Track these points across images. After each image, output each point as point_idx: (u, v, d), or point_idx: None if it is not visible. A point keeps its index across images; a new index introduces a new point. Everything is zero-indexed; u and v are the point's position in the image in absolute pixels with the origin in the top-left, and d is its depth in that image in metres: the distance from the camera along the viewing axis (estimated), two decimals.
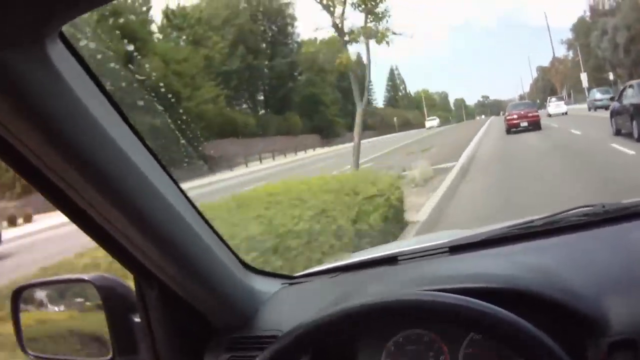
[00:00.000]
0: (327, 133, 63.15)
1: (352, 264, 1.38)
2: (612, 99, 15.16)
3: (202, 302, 1.12)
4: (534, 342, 0.76)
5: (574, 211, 1.28)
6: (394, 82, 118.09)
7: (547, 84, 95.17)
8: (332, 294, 1.16)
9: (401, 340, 1.12)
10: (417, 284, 1.07)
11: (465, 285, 1.00)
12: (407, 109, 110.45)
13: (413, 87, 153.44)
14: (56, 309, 1.40)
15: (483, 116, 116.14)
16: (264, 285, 1.27)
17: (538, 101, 57.62)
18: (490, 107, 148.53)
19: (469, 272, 1.10)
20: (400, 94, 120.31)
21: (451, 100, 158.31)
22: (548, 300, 0.96)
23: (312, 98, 64.24)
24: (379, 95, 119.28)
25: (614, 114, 14.48)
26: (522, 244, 1.20)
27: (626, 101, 13.23)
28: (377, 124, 75.75)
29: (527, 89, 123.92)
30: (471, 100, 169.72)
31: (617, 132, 14.02)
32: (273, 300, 1.25)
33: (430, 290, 0.92)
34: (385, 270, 1.27)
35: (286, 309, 1.21)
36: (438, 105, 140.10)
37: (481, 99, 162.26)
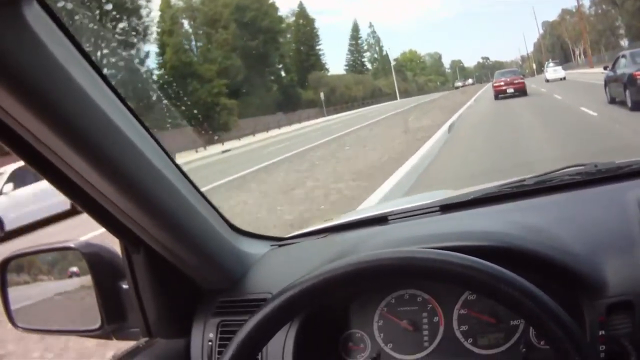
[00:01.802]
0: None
1: (342, 225, 1.36)
2: None
3: (189, 265, 1.10)
4: (535, 302, 0.73)
5: (565, 170, 1.28)
6: (358, 42, 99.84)
7: (557, 41, 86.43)
8: (322, 254, 1.15)
9: (394, 300, 1.12)
10: (408, 243, 1.05)
11: (457, 243, 0.98)
12: (381, 75, 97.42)
13: (402, 49, 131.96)
14: (44, 277, 1.38)
15: (470, 80, 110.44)
16: (252, 247, 1.25)
17: (553, 61, 47.87)
18: (490, 70, 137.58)
19: (461, 230, 1.09)
20: (374, 56, 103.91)
21: (447, 62, 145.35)
22: (543, 258, 0.94)
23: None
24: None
25: (609, 82, 14.48)
26: (514, 203, 1.19)
27: (619, 71, 13.28)
28: (325, 97, 64.44)
29: (531, 48, 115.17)
30: (470, 62, 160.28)
31: (612, 101, 14.07)
32: (262, 262, 1.24)
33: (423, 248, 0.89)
34: (376, 230, 1.26)
35: (275, 271, 1.20)
36: (429, 68, 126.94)
37: (481, 61, 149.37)
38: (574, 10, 71.58)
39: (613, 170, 1.21)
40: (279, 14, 69.94)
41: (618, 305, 0.87)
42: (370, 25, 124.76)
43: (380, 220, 1.30)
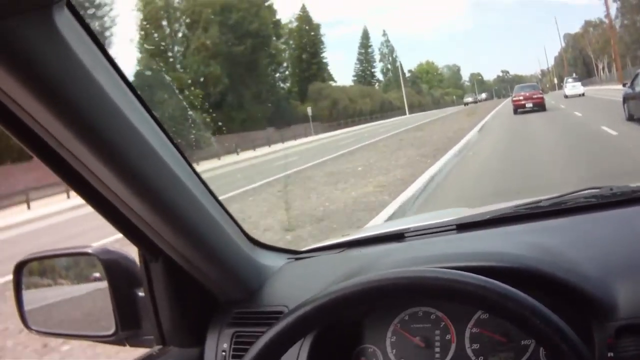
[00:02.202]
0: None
1: (358, 240, 1.37)
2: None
3: (207, 276, 1.11)
4: (545, 323, 0.75)
5: (581, 192, 1.28)
6: (368, 51, 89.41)
7: (579, 54, 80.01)
8: (337, 269, 1.15)
9: (407, 317, 1.12)
10: (424, 261, 1.06)
11: (472, 263, 0.99)
12: (393, 87, 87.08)
13: (419, 60, 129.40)
14: (60, 281, 1.39)
15: (483, 95, 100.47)
16: (269, 260, 1.26)
17: (572, 77, 45.08)
18: (510, 83, 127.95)
19: (476, 250, 1.10)
20: (387, 66, 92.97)
21: (466, 74, 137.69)
22: (555, 280, 0.95)
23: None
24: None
25: (627, 99, 14.43)
26: (529, 224, 1.20)
27: (639, 88, 13.27)
28: (327, 111, 57.38)
29: (552, 61, 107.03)
30: (489, 75, 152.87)
31: (630, 118, 13.96)
32: (278, 275, 1.24)
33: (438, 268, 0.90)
34: (392, 247, 1.27)
35: (291, 284, 1.20)
36: (447, 80, 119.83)
37: (501, 74, 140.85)
38: (597, 22, 67.63)
39: (628, 193, 1.22)
40: (278, 17, 61.87)
41: (628, 328, 0.87)
42: (384, 34, 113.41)
43: (397, 237, 1.30)
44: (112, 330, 1.18)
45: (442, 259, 1.04)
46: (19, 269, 1.29)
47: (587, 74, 72.72)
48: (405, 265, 1.03)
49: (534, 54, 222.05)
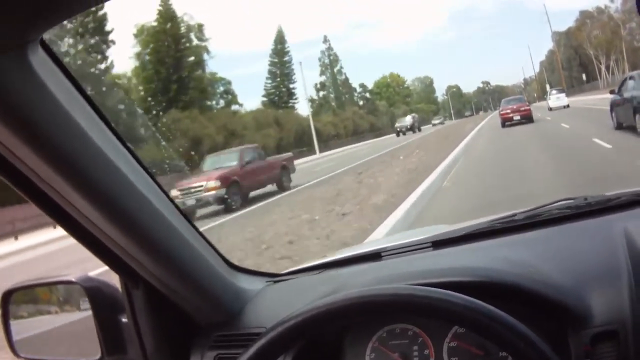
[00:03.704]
0: None
1: (336, 261, 1.39)
2: None
3: (187, 301, 1.13)
4: (517, 336, 0.76)
5: (556, 204, 1.29)
6: (282, 62, 61.24)
7: (574, 54, 63.92)
8: (316, 290, 1.17)
9: (385, 335, 1.14)
10: (400, 279, 1.08)
11: (447, 279, 1.01)
12: (330, 109, 65.36)
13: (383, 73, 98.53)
14: (46, 309, 1.41)
15: (437, 120, 76.39)
16: (248, 284, 1.28)
17: (555, 88, 39.83)
18: (491, 95, 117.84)
19: (452, 266, 1.12)
20: (324, 83, 70.02)
21: (441, 87, 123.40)
22: (529, 293, 0.97)
23: None
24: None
25: (615, 106, 13.43)
26: (504, 238, 1.22)
27: (627, 94, 12.16)
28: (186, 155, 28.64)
29: (537, 68, 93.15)
30: (469, 87, 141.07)
31: (619, 126, 12.95)
32: (258, 298, 1.26)
33: (413, 285, 0.93)
34: (370, 266, 1.29)
35: (270, 306, 1.22)
36: (418, 94, 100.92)
37: (481, 85, 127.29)
38: (600, 8, 52.84)
39: (602, 202, 1.23)
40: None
41: (603, 334, 0.89)
42: (325, 40, 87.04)
43: (374, 256, 1.32)
44: (98, 356, 1.20)
45: (417, 276, 1.06)
46: (6, 299, 1.31)
47: (586, 78, 60.98)
48: (381, 283, 1.05)
49: (518, 62, 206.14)
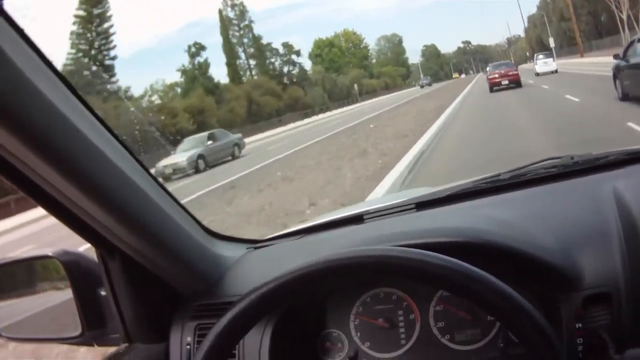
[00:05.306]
0: None
1: (318, 225, 1.37)
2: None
3: (165, 270, 1.10)
4: (503, 300, 0.72)
5: (542, 163, 1.28)
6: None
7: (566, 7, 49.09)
8: (297, 255, 1.15)
9: (369, 299, 1.12)
10: (382, 241, 1.05)
11: (431, 240, 0.98)
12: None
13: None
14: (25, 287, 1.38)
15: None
16: (228, 251, 1.26)
17: (542, 52, 37.10)
18: (472, 55, 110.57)
19: (435, 227, 1.09)
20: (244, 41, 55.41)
21: (417, 48, 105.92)
22: (515, 253, 0.93)
23: None
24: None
25: (619, 73, 11.39)
26: (488, 198, 1.20)
27: (635, 59, 10.38)
28: None
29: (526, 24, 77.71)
30: (448, 48, 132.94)
31: (624, 97, 10.96)
32: (238, 265, 1.24)
33: (396, 246, 0.89)
34: (351, 229, 1.27)
35: (251, 273, 1.20)
36: (385, 56, 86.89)
37: (462, 46, 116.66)
38: None
39: (590, 161, 1.21)
40: None
41: (595, 297, 0.87)
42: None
43: (356, 219, 1.30)
44: (79, 332, 1.18)
45: (399, 237, 1.03)
46: None
47: (603, 30, 49.18)
48: (362, 245, 1.02)
49: (502, 17, 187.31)
